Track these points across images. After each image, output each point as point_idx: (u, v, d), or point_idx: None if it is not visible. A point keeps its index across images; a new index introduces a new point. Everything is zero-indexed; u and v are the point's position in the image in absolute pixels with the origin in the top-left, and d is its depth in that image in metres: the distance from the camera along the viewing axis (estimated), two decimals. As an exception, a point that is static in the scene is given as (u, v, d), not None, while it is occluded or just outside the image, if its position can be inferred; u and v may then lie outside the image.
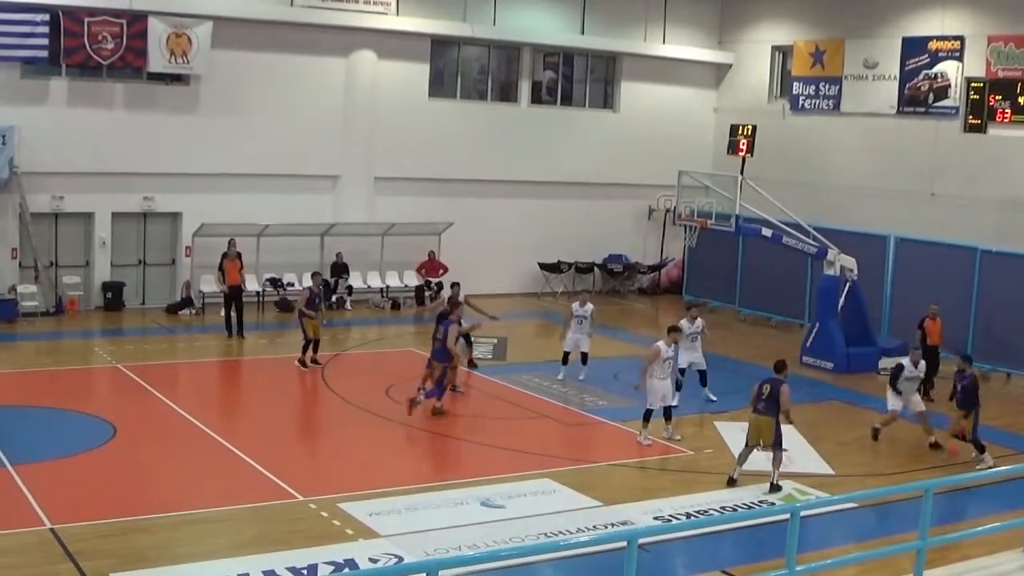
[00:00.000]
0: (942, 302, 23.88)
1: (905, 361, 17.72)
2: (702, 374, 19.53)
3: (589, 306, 20.90)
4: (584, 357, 20.84)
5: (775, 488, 14.77)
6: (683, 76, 32.71)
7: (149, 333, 24.18)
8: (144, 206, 26.10)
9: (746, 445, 15.28)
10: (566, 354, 20.87)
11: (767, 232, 24.08)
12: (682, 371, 19.04)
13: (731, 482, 15.05)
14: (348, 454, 16.15)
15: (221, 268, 23.24)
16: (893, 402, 17.66)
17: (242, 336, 23.43)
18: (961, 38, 26.74)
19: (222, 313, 23.81)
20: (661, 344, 16.93)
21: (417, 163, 28.94)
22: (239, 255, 24.86)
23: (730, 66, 32.95)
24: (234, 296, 23.36)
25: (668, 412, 17.15)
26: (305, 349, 20.98)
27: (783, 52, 31.85)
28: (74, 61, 24.66)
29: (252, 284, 26.21)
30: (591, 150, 31.46)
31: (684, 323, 19.02)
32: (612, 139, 31.82)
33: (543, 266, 30.86)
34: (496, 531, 12.90)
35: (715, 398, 19.48)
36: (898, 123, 28.24)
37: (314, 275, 22.51)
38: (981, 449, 16.70)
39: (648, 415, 16.88)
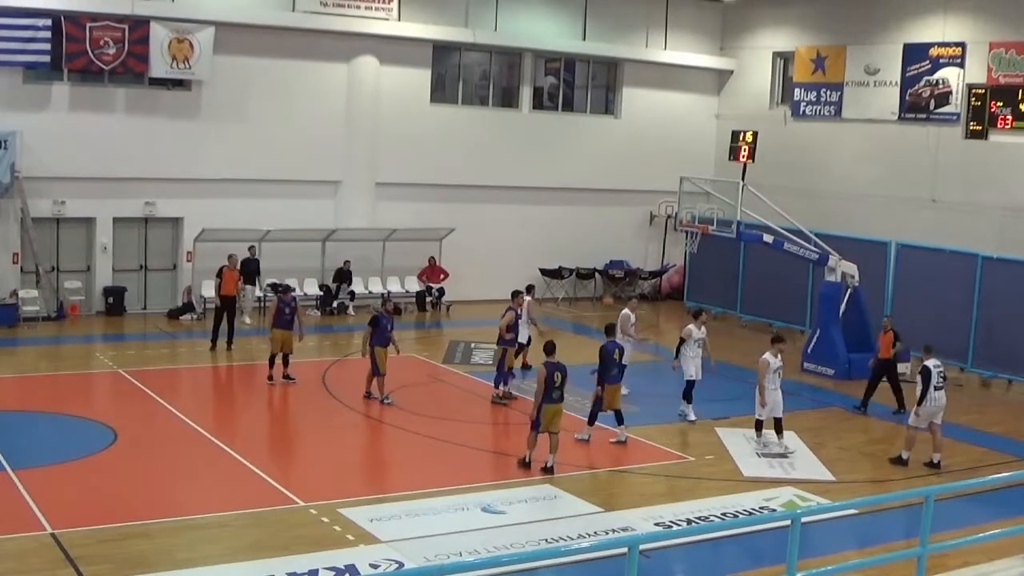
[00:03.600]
0: (944, 308, 23.94)
1: (929, 364, 16.69)
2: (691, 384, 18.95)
3: (634, 313, 20.47)
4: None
5: (548, 470, 15.31)
6: (685, 82, 32.74)
7: (150, 338, 24.17)
8: (145, 211, 26.12)
9: (537, 430, 15.49)
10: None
11: (768, 238, 24.08)
12: (692, 383, 18.82)
13: (525, 465, 15.52)
14: (349, 459, 16.15)
15: (219, 275, 23.05)
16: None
17: (230, 348, 22.87)
18: (962, 44, 26.76)
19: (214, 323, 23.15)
20: (768, 356, 17.07)
21: (418, 169, 28.96)
22: (256, 263, 24.99)
23: (731, 72, 32.98)
24: (227, 307, 22.85)
25: (779, 426, 17.23)
26: (272, 363, 20.04)
27: (784, 58, 31.87)
28: (76, 66, 24.70)
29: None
30: (592, 156, 31.48)
31: (692, 328, 18.83)
32: (613, 145, 31.84)
33: (544, 272, 30.85)
34: (497, 537, 12.90)
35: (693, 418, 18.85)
36: (899, 129, 28.26)
37: (284, 288, 21.22)
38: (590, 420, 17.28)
39: (759, 425, 17.20)
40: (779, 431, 17.19)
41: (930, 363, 16.61)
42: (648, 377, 21.46)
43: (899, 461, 16.80)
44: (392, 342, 19.17)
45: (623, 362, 19.42)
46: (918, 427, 16.74)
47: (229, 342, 22.86)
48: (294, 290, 21.74)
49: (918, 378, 16.79)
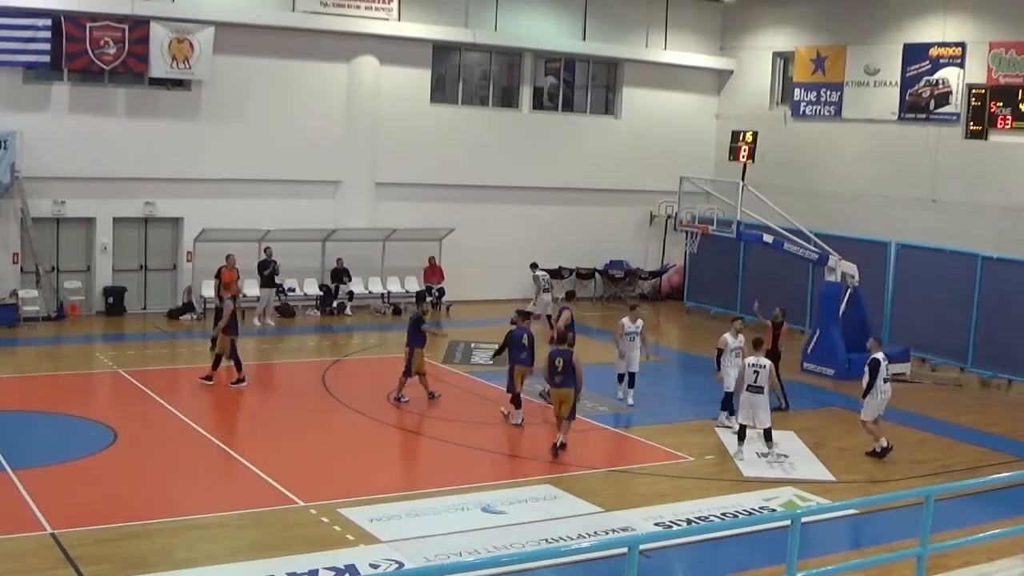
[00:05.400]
0: (944, 308, 23.95)
1: (879, 356, 17.04)
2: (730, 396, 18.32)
3: (640, 321, 19.71)
4: (632, 378, 19.68)
5: (561, 446, 16.25)
6: (685, 82, 32.74)
7: (150, 338, 24.16)
8: (145, 211, 26.12)
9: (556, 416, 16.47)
10: (621, 376, 19.70)
11: (768, 238, 24.07)
12: (730, 395, 18.16)
13: (557, 449, 16.28)
14: (349, 459, 16.14)
15: (218, 276, 22.98)
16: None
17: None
18: (962, 44, 26.77)
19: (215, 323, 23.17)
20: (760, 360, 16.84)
21: (418, 169, 28.96)
22: (273, 264, 25.17)
23: (731, 72, 32.98)
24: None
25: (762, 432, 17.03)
26: (216, 365, 19.88)
27: (784, 58, 31.87)
28: (76, 66, 24.70)
29: (253, 290, 26.19)
30: (592, 156, 31.48)
31: (728, 337, 18.28)
32: (613, 145, 31.84)
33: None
34: (497, 537, 12.91)
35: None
36: (899, 129, 28.26)
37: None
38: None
39: (768, 433, 16.79)
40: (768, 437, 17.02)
41: (879, 356, 16.97)
42: (648, 377, 21.40)
43: (875, 453, 16.94)
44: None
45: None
46: (871, 421, 17.00)
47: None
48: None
49: (865, 370, 16.97)
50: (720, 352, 18.29)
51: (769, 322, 20.19)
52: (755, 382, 16.57)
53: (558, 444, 16.31)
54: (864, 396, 16.95)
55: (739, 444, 16.79)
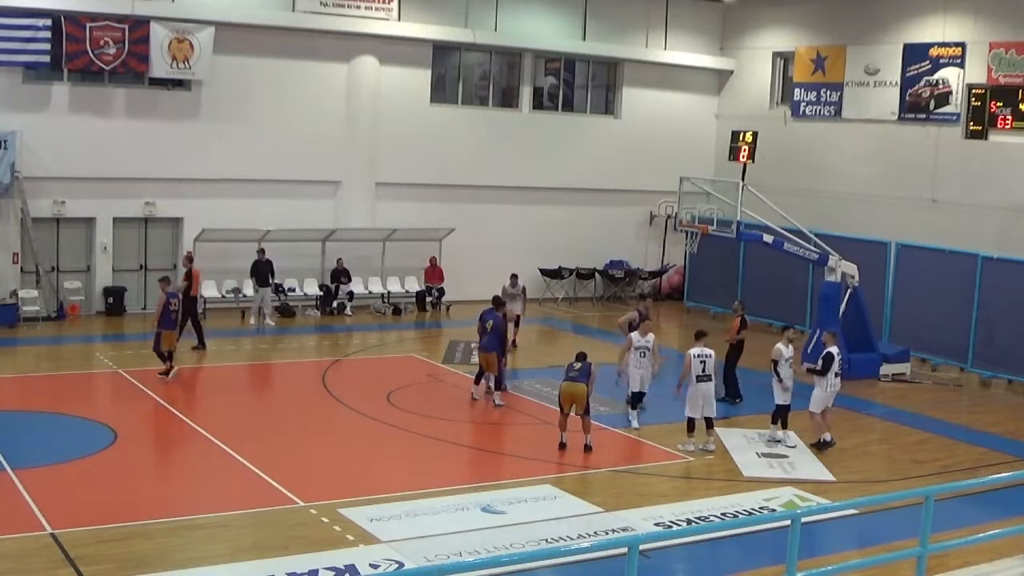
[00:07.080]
0: (944, 308, 23.96)
1: (832, 350, 17.39)
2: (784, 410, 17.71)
3: (651, 336, 18.29)
4: (640, 398, 18.31)
5: (588, 448, 16.37)
6: (685, 82, 32.74)
7: (150, 338, 23.97)
8: (145, 211, 26.12)
9: (562, 412, 16.50)
10: (635, 395, 18.26)
11: (768, 238, 24.05)
12: (784, 408, 17.67)
13: (562, 447, 16.47)
14: (349, 459, 16.14)
15: (187, 277, 22.89)
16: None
17: (203, 347, 22.63)
18: (962, 45, 26.75)
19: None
20: (695, 349, 17.09)
21: (418, 169, 28.96)
22: (268, 264, 25.24)
23: (731, 72, 32.97)
24: (184, 305, 21.94)
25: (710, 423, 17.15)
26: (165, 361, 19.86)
27: (784, 58, 31.86)
28: (76, 66, 24.70)
29: (250, 290, 26.23)
30: (592, 156, 31.48)
31: (781, 347, 17.72)
32: (613, 145, 31.83)
33: (544, 272, 30.84)
34: (497, 537, 12.91)
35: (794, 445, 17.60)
36: (899, 129, 28.25)
37: (162, 280, 21.01)
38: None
39: (691, 423, 17.04)
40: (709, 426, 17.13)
41: (833, 350, 17.34)
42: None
43: (824, 445, 17.17)
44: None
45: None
46: (817, 412, 17.30)
47: (177, 337, 22.49)
48: (168, 279, 21.24)
49: (819, 362, 17.27)
50: (775, 363, 17.68)
51: (736, 315, 20.70)
52: (703, 372, 16.91)
53: (587, 443, 16.43)
54: (818, 374, 17.28)
55: (688, 435, 16.95)
